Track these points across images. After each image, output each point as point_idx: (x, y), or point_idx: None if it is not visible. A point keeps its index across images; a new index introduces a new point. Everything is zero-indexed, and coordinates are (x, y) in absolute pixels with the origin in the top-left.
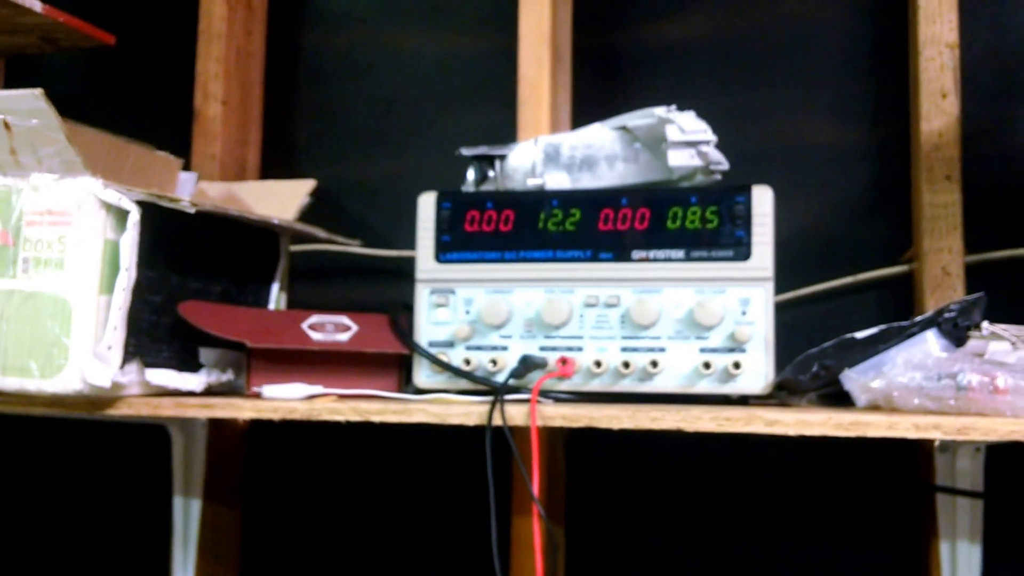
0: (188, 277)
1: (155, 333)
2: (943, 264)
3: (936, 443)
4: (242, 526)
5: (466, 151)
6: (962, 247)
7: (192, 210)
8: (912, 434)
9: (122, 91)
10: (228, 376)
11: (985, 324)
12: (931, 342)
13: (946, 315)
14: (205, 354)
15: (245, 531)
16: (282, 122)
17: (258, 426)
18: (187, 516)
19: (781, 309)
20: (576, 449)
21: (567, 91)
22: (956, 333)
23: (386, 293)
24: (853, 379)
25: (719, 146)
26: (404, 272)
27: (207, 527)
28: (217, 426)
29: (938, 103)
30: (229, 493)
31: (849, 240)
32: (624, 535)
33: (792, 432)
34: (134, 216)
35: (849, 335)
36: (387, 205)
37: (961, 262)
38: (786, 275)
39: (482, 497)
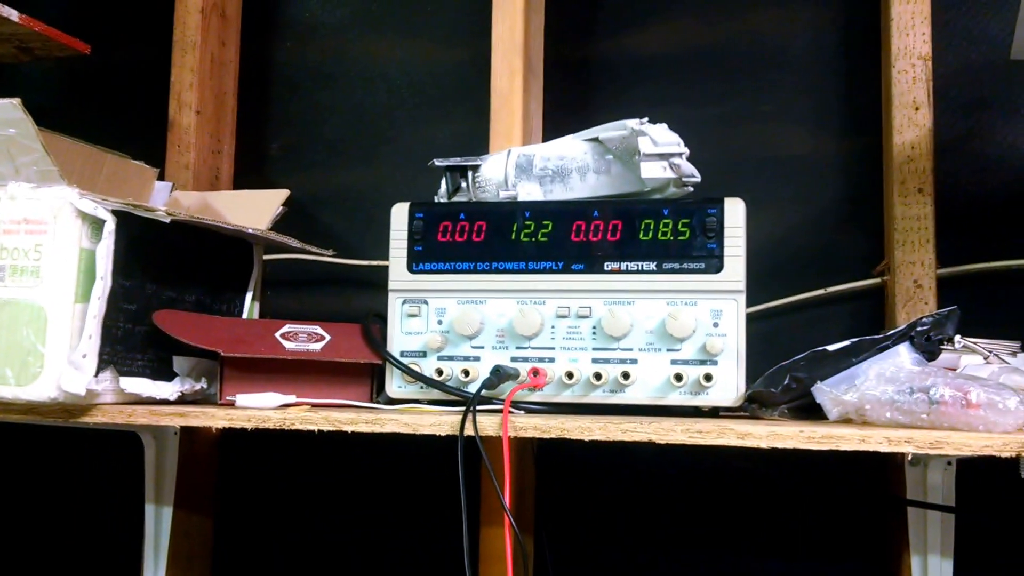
0: (163, 286)
1: (130, 342)
2: (915, 277)
3: (908, 457)
4: (214, 534)
5: (439, 162)
6: (934, 260)
7: (167, 219)
8: (884, 448)
9: (97, 100)
10: (201, 385)
11: (958, 338)
12: (904, 355)
13: (919, 328)
14: (179, 363)
15: (217, 539)
16: (256, 132)
17: (231, 434)
18: (159, 523)
19: (752, 320)
20: (546, 459)
21: (539, 102)
22: (929, 347)
23: (359, 302)
24: (825, 392)
25: (691, 158)
26: (377, 282)
27: (178, 534)
28: (190, 434)
29: (911, 115)
30: (201, 501)
31: (821, 252)
32: (593, 545)
33: (764, 445)
34: (110, 225)
35: (821, 348)
36: (360, 215)
37: (933, 275)
38: (758, 287)
39: (453, 506)
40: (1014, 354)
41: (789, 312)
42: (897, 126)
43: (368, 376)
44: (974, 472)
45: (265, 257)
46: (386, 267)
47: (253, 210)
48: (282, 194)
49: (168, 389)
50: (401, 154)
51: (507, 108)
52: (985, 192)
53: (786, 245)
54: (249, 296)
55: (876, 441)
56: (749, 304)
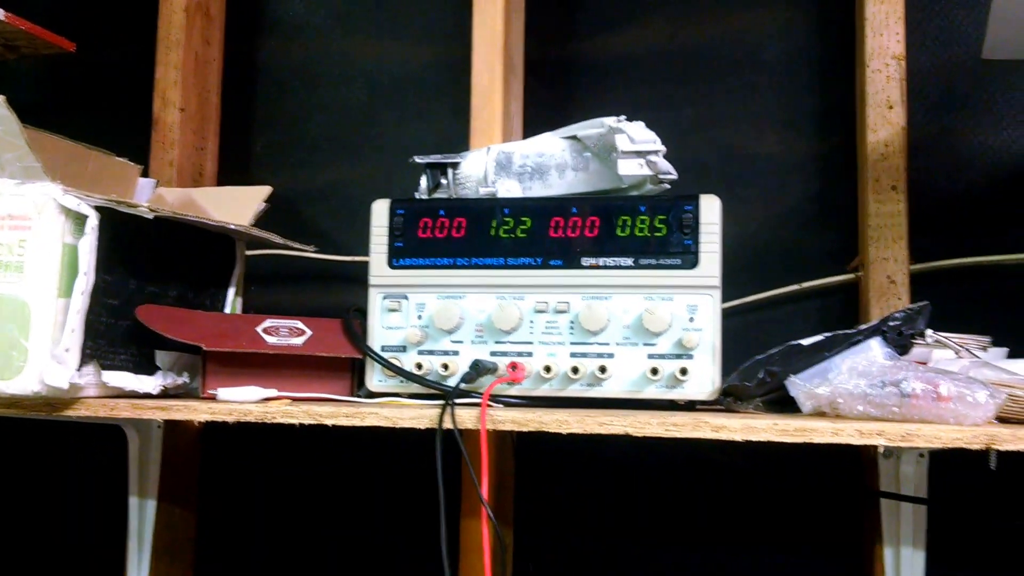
0: (145, 281)
1: (112, 336)
2: (888, 273)
3: (880, 450)
4: (197, 526)
5: (419, 159)
6: (907, 256)
7: (150, 215)
8: (856, 440)
9: (83, 98)
10: (184, 379)
11: (929, 332)
12: (876, 350)
13: (891, 323)
14: (161, 357)
15: (200, 531)
16: (239, 129)
17: (213, 428)
18: (142, 516)
19: (728, 316)
20: (526, 453)
21: (519, 101)
22: (900, 341)
23: (340, 298)
24: (799, 385)
25: (668, 157)
26: (358, 277)
27: (162, 527)
28: (173, 428)
29: (884, 114)
30: (184, 494)
31: (796, 249)
32: (572, 538)
33: (738, 437)
34: (92, 221)
35: (795, 342)
36: (342, 212)
37: (906, 271)
38: (734, 283)
39: (433, 499)
40: (984, 348)
41: (765, 308)
42: (871, 124)
43: (349, 371)
44: (946, 465)
45: (248, 253)
46: (367, 263)
47: (236, 206)
48: (264, 190)
49: (151, 383)
50: (383, 152)
51: (488, 106)
52: (957, 189)
53: (761, 242)
54: (231, 291)
55: (848, 434)
56: (725, 299)
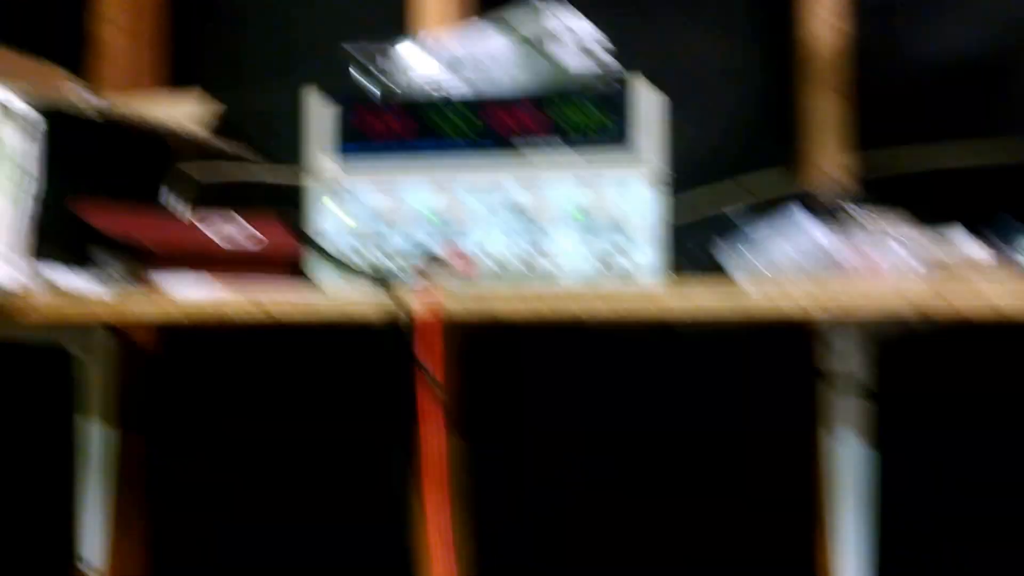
0: (87, 188)
1: (56, 238)
2: (828, 170)
3: (823, 329)
4: (147, 451)
5: (351, 48)
6: (847, 158)
7: (95, 115)
8: (790, 308)
9: (15, 17)
10: (128, 280)
11: (862, 210)
12: (807, 223)
13: (820, 197)
14: (103, 258)
15: (150, 454)
16: (180, 49)
17: (164, 346)
18: (92, 440)
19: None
20: (471, 368)
21: None
22: (830, 214)
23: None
24: (733, 257)
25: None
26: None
27: (111, 452)
28: (122, 347)
29: (823, 16)
30: (133, 416)
31: (737, 153)
32: (520, 445)
33: (676, 306)
34: (40, 124)
35: (726, 213)
36: (289, 130)
37: (845, 169)
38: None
39: (387, 406)
40: (916, 229)
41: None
42: (810, 26)
43: (294, 269)
44: (892, 357)
45: (194, 173)
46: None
47: (176, 113)
48: (195, 94)
49: (95, 284)
50: (329, 65)
51: None
52: (896, 91)
53: (703, 148)
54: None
55: (781, 301)
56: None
